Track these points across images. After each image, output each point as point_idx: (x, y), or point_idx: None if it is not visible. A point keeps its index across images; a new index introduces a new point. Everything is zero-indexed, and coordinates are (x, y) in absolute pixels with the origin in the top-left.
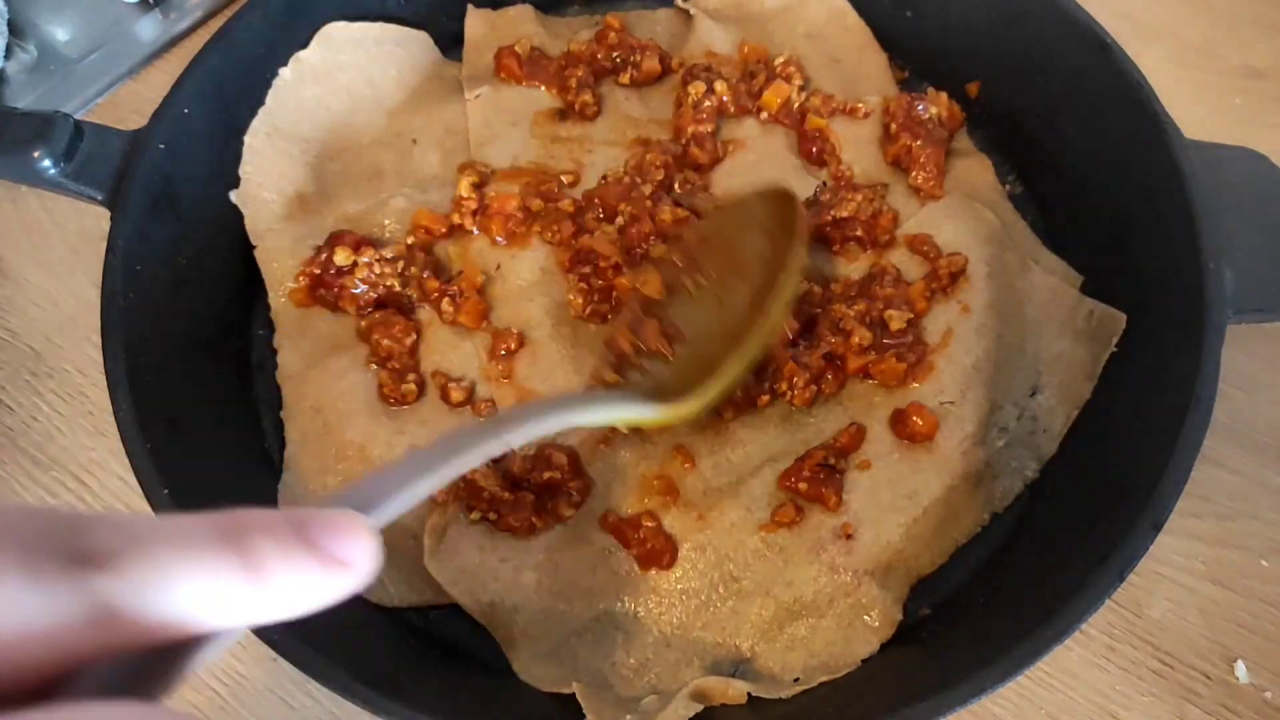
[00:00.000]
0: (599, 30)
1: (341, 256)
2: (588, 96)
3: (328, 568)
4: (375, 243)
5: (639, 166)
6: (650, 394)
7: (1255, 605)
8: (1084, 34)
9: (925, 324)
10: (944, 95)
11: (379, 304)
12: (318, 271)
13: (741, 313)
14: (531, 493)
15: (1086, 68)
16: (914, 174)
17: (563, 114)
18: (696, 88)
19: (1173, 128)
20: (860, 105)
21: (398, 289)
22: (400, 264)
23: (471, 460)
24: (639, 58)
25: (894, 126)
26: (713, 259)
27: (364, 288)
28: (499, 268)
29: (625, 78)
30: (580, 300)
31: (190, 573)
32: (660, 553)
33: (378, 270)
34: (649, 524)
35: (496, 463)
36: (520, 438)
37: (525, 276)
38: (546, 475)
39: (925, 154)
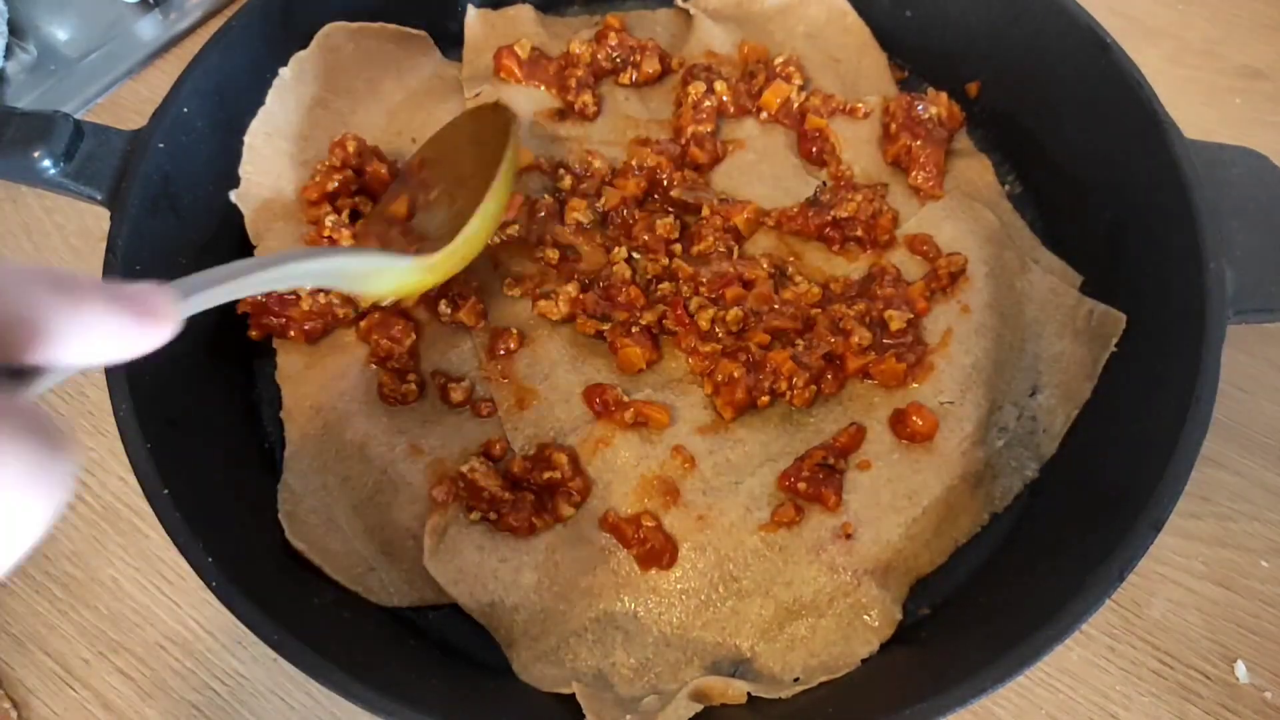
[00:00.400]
0: (599, 30)
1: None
2: (587, 96)
3: (140, 318)
4: None
5: None
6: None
7: (1255, 605)
8: (1084, 34)
9: (925, 324)
10: (944, 95)
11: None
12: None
13: (473, 208)
14: (531, 493)
15: (1086, 68)
16: (914, 174)
17: (562, 114)
18: (696, 88)
19: (1173, 128)
20: (860, 105)
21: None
22: None
23: (266, 284)
24: (639, 58)
25: (894, 126)
26: (436, 175)
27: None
28: (497, 267)
29: (625, 78)
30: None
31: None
32: (660, 553)
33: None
34: (649, 524)
35: (496, 462)
36: (312, 278)
37: None
38: (546, 475)
39: (925, 154)
